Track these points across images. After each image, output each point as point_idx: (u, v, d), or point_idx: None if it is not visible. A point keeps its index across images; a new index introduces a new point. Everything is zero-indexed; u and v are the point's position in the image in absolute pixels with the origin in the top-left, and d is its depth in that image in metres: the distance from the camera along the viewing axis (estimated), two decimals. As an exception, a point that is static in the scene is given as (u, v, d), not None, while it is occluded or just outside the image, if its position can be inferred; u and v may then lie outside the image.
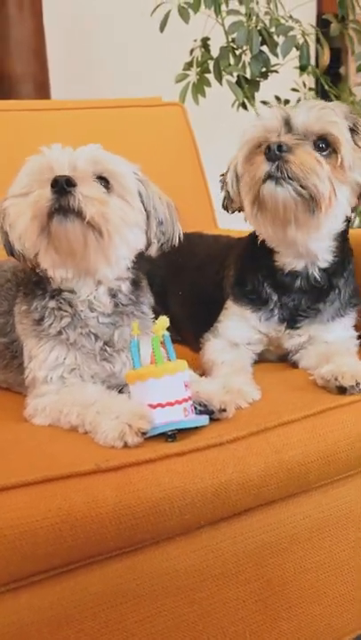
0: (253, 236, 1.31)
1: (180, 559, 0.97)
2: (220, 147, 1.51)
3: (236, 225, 1.49)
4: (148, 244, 1.16)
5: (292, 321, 1.28)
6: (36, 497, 0.85)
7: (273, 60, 2.22)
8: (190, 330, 1.47)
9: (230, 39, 2.21)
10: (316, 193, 1.13)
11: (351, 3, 2.28)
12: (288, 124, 1.17)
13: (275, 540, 1.05)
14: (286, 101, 2.29)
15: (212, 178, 1.56)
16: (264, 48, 2.19)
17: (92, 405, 1.00)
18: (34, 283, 1.16)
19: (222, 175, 1.32)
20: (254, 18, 2.15)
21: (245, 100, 2.23)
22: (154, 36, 2.19)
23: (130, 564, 0.94)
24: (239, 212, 1.30)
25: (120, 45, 2.94)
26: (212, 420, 1.02)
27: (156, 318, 1.06)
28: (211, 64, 2.26)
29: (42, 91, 2.61)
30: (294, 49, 2.18)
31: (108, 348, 1.14)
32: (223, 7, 2.18)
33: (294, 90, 2.47)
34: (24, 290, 1.18)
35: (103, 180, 1.09)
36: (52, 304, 1.13)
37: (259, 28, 2.15)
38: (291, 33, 2.15)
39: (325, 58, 2.29)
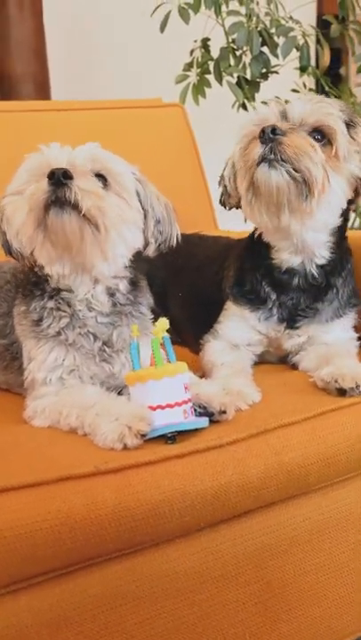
0: (252, 235, 1.31)
1: (179, 561, 0.97)
2: (220, 147, 1.51)
3: (236, 226, 1.49)
4: (146, 244, 1.16)
5: (291, 321, 1.28)
6: (36, 499, 0.85)
7: (273, 60, 2.22)
8: (190, 331, 1.46)
9: (230, 40, 2.21)
10: (309, 177, 1.13)
11: (352, 3, 2.28)
12: (285, 117, 1.19)
13: (274, 542, 1.05)
14: (286, 102, 2.29)
15: (213, 179, 1.55)
16: (264, 49, 2.19)
17: (92, 407, 1.00)
18: (32, 283, 1.16)
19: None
20: (255, 19, 2.15)
21: (246, 101, 2.23)
22: (154, 36, 2.19)
23: (129, 566, 0.93)
24: (237, 208, 1.30)
25: (120, 46, 2.94)
26: (211, 421, 1.02)
27: (155, 320, 1.06)
28: (211, 65, 2.26)
29: (42, 91, 2.61)
30: (295, 50, 2.18)
31: (106, 349, 1.14)
32: (223, 8, 2.18)
33: (295, 91, 2.46)
34: (23, 291, 1.18)
35: (101, 178, 1.09)
36: (50, 304, 1.13)
37: (259, 28, 2.15)
38: (291, 34, 2.15)
39: (326, 59, 2.29)
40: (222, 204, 1.33)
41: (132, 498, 0.89)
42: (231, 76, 2.25)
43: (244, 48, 2.20)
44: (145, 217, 1.14)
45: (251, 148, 1.17)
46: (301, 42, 2.21)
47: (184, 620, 0.98)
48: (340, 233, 1.28)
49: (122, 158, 1.14)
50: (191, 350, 1.43)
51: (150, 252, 1.17)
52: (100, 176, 1.09)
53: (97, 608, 0.92)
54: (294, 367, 1.31)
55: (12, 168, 1.12)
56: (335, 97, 2.34)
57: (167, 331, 1.01)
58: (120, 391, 1.14)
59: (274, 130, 1.13)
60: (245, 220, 1.28)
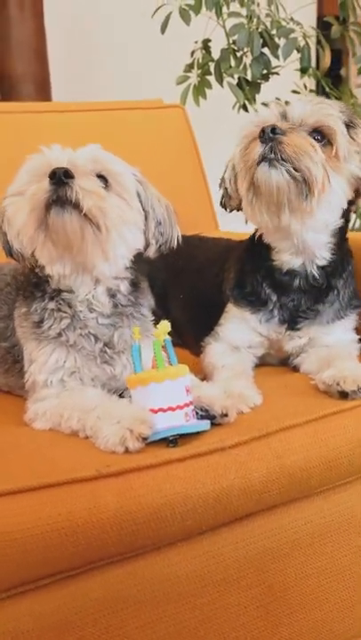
0: (253, 237, 1.31)
1: (181, 565, 0.97)
2: (220, 148, 1.51)
3: (237, 227, 1.49)
4: (147, 245, 1.16)
5: (292, 322, 1.28)
6: (37, 503, 0.85)
7: (274, 62, 2.22)
8: (191, 333, 1.46)
9: (231, 41, 2.20)
10: (308, 176, 1.13)
11: (352, 5, 2.28)
12: (285, 118, 1.19)
13: (276, 545, 1.04)
14: (287, 103, 2.28)
15: (213, 180, 1.55)
16: (265, 50, 2.19)
17: (93, 410, 1.00)
18: (33, 285, 1.16)
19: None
20: (255, 20, 2.15)
21: (246, 102, 2.23)
22: (155, 37, 2.18)
23: (131, 569, 0.93)
24: (237, 210, 1.30)
25: (121, 46, 2.94)
26: (213, 424, 1.01)
27: (156, 322, 1.06)
28: (212, 66, 2.25)
29: (42, 91, 2.61)
30: (295, 51, 2.18)
31: (108, 350, 1.14)
32: (224, 9, 2.17)
33: (295, 92, 2.46)
34: (23, 293, 1.18)
35: (102, 179, 1.09)
36: (51, 305, 1.13)
37: (260, 30, 2.15)
38: (292, 35, 2.15)
39: (326, 60, 2.29)
40: (223, 206, 1.33)
41: (133, 501, 0.88)
42: (232, 77, 2.25)
43: (245, 49, 2.20)
44: (146, 218, 1.14)
45: (251, 149, 1.17)
46: (302, 43, 2.21)
47: (185, 623, 0.98)
48: (341, 234, 1.28)
49: (122, 159, 1.14)
50: (192, 352, 1.42)
51: (151, 253, 1.17)
52: (100, 177, 1.09)
53: (98, 612, 0.91)
54: (295, 369, 1.30)
55: (13, 169, 1.12)
56: (336, 98, 2.34)
57: (168, 333, 1.00)
58: (121, 393, 1.14)
59: (274, 129, 1.13)
60: (246, 222, 1.28)
